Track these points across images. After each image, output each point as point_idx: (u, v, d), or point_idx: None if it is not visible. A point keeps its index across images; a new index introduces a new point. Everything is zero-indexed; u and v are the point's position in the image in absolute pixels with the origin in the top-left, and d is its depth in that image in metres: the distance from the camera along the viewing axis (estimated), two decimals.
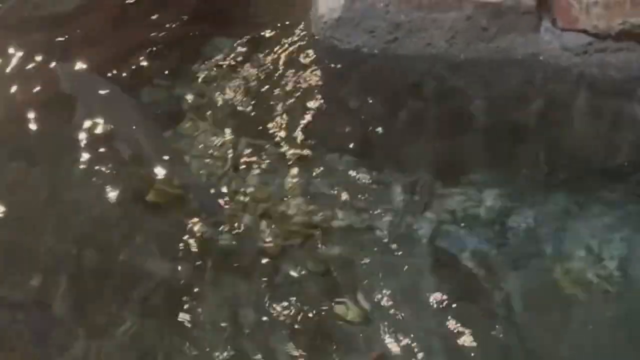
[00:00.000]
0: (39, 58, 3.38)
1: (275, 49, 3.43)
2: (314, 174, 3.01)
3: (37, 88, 3.27)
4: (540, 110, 3.09)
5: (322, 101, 3.26)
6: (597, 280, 2.63)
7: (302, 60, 3.39)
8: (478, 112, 3.10)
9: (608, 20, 3.09)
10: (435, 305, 2.60)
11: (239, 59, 3.43)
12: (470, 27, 3.16)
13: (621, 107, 3.05)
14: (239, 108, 3.25)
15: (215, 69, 3.41)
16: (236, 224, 2.85)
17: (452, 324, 2.54)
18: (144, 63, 3.44)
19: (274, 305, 2.61)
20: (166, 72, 3.40)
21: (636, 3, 3.08)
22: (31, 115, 3.16)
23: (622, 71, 3.08)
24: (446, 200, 2.89)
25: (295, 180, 3.00)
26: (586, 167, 2.91)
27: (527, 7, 3.12)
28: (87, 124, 3.10)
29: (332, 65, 3.33)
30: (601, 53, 3.11)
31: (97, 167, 2.98)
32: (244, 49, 3.46)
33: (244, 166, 3.05)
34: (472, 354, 2.46)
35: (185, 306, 2.61)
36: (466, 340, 2.50)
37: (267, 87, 3.31)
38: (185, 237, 2.79)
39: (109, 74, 3.35)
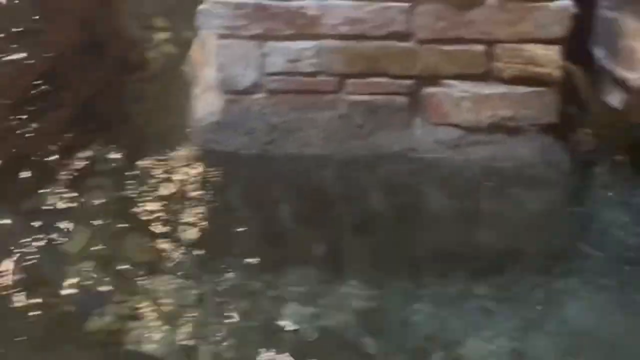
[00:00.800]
0: None
1: (156, 154, 3.43)
2: (198, 278, 2.97)
3: None
4: (415, 204, 3.13)
5: (204, 205, 3.25)
6: None
7: (183, 164, 3.38)
8: (355, 209, 3.12)
9: (477, 114, 3.19)
10: None
11: (120, 165, 3.41)
12: (345, 125, 3.22)
13: (493, 198, 3.11)
14: (121, 215, 3.22)
15: (96, 177, 3.38)
16: (121, 334, 2.78)
17: None
18: (22, 174, 3.39)
19: None
20: (45, 181, 3.35)
21: (504, 97, 3.18)
22: None
23: (494, 163, 3.16)
24: (332, 298, 2.88)
25: (177, 286, 2.96)
26: (459, 260, 2.94)
27: (399, 104, 3.20)
28: None
29: (213, 169, 3.33)
30: (473, 146, 3.19)
31: None
32: (124, 156, 3.44)
33: (126, 272, 3.01)
34: None
35: None
36: None
37: (148, 192, 3.29)
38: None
39: None
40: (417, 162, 3.15)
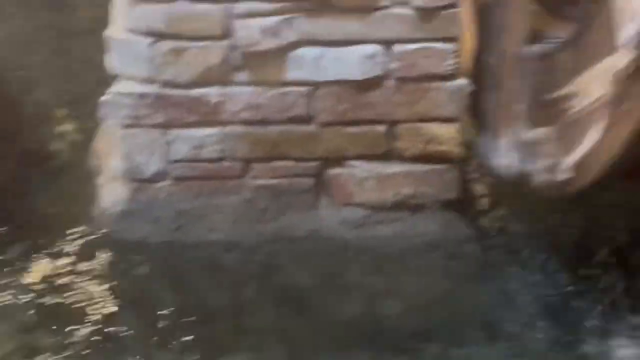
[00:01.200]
0: None
1: (62, 246, 3.40)
2: None
3: None
4: (322, 285, 3.16)
5: (113, 297, 3.22)
6: None
7: (91, 255, 3.35)
8: (263, 292, 3.13)
9: (381, 193, 3.23)
10: None
11: (25, 260, 3.37)
12: (251, 209, 3.23)
13: (399, 277, 3.15)
14: (28, 312, 3.18)
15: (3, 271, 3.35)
16: None
17: None
18: None
19: None
20: None
21: (406, 175, 3.24)
22: None
23: (399, 241, 3.20)
24: None
25: None
26: (369, 338, 2.97)
27: (304, 186, 3.23)
28: None
29: (121, 258, 3.30)
30: (378, 225, 3.23)
31: None
32: (30, 249, 3.41)
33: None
34: None
35: None
36: None
37: (54, 285, 3.26)
38: None
39: None
40: (322, 243, 3.18)
